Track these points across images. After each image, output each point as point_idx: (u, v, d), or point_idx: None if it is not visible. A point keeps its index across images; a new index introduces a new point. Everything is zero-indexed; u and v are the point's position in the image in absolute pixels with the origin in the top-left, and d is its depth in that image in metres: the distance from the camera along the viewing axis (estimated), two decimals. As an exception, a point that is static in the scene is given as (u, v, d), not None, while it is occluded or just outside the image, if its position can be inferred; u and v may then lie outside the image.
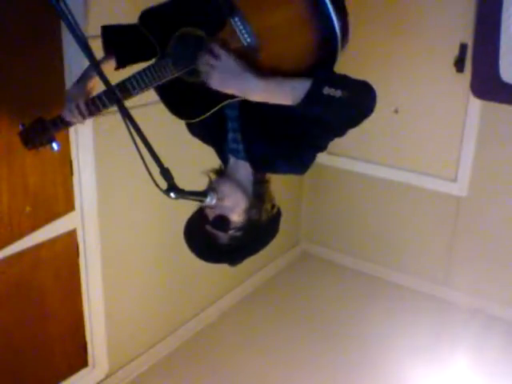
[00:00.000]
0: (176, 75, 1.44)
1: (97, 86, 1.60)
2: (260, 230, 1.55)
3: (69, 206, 2.35)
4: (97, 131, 2.38)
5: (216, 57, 1.33)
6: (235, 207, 1.48)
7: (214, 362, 3.04)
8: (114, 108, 1.41)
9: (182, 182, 1.36)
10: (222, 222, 1.46)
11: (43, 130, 1.60)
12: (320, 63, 1.33)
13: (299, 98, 1.27)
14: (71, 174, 2.33)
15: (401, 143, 3.52)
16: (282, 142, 1.47)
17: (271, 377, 2.95)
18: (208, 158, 3.22)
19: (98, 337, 2.66)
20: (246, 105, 1.42)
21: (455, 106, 3.29)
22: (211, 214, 1.48)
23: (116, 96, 1.38)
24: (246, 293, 3.62)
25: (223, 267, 3.57)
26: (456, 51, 3.13)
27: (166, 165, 1.34)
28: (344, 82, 1.31)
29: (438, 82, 3.28)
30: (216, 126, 1.55)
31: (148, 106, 2.47)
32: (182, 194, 1.34)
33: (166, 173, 1.33)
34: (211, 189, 1.47)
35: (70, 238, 2.42)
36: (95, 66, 1.35)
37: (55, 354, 2.50)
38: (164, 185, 1.33)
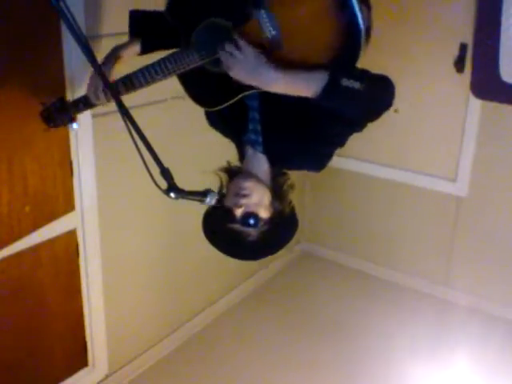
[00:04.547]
0: (199, 64, 1.46)
1: (122, 67, 1.62)
2: (285, 223, 1.55)
3: (69, 206, 2.35)
4: (97, 131, 2.37)
5: (238, 48, 1.35)
6: (261, 202, 1.48)
7: (213, 362, 3.04)
8: (114, 108, 1.41)
9: (182, 182, 1.36)
10: (252, 218, 1.45)
11: (65, 109, 1.61)
12: (342, 58, 1.34)
13: (318, 90, 1.28)
14: (71, 174, 2.33)
15: (401, 143, 3.52)
16: (300, 137, 1.48)
17: (271, 377, 2.95)
18: (208, 158, 3.22)
19: (97, 337, 2.66)
20: (267, 97, 1.43)
21: (455, 106, 3.28)
22: (238, 213, 1.47)
23: (117, 92, 1.39)
24: (246, 293, 3.62)
25: (223, 267, 3.58)
26: (456, 51, 3.13)
27: (165, 165, 1.34)
28: (363, 74, 1.32)
29: (438, 82, 3.27)
30: (237, 116, 1.55)
31: (148, 106, 2.48)
32: (181, 193, 1.34)
33: (165, 173, 1.33)
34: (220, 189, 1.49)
35: (70, 238, 2.42)
36: (95, 66, 1.35)
37: (55, 354, 2.50)
38: (164, 185, 1.33)
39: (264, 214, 1.48)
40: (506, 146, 3.20)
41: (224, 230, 1.49)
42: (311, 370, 3.01)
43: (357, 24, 1.30)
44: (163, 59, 1.48)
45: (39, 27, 2.03)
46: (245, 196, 1.45)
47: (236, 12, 1.39)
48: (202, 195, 1.39)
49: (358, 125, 1.43)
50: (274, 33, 1.35)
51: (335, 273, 3.91)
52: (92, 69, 1.46)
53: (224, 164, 1.63)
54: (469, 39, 3.03)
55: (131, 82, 1.52)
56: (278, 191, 1.53)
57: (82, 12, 2.15)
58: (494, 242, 3.38)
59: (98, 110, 2.30)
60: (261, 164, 1.54)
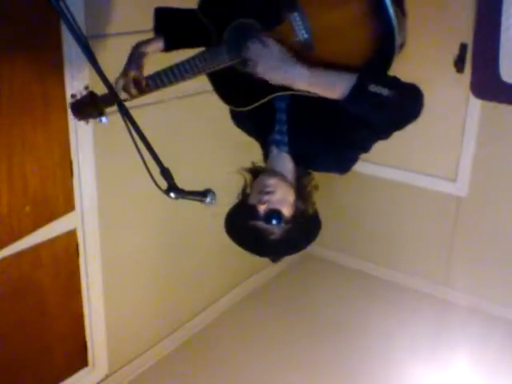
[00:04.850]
0: (229, 64, 1.47)
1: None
2: (308, 223, 1.56)
3: (69, 206, 2.35)
4: (97, 131, 2.37)
5: (263, 45, 1.36)
6: (284, 200, 1.48)
7: (213, 362, 3.04)
8: (114, 108, 1.42)
9: (182, 182, 1.36)
10: (275, 215, 1.45)
11: (94, 103, 1.61)
12: (373, 64, 1.34)
13: (345, 92, 1.28)
14: (71, 174, 2.33)
15: (401, 143, 3.52)
16: (326, 140, 1.49)
17: (271, 377, 2.95)
18: (208, 157, 3.22)
19: (97, 337, 2.66)
20: (295, 99, 1.45)
21: (455, 106, 3.28)
22: (262, 209, 1.46)
23: (119, 100, 1.38)
24: (246, 293, 3.62)
25: (223, 267, 3.58)
26: (456, 51, 3.13)
27: (165, 165, 1.34)
28: (393, 82, 1.32)
29: (438, 81, 3.27)
30: (264, 117, 1.56)
31: (148, 106, 2.48)
32: (181, 193, 1.34)
33: (166, 173, 1.33)
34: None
35: (70, 238, 2.42)
36: (95, 66, 1.35)
37: (55, 354, 2.50)
38: (164, 185, 1.33)
39: (287, 212, 1.48)
40: (506, 146, 3.20)
41: (247, 228, 1.49)
42: (311, 369, 3.01)
43: (391, 30, 1.30)
44: (193, 57, 1.48)
45: (39, 27, 2.03)
46: (268, 193, 1.45)
47: (269, 14, 1.40)
48: (201, 195, 1.39)
49: (383, 132, 1.43)
50: (306, 36, 1.36)
51: (335, 273, 3.91)
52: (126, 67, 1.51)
53: (249, 165, 1.63)
54: (469, 39, 3.03)
55: (160, 79, 1.53)
56: (302, 191, 1.54)
57: (82, 12, 2.15)
58: (493, 241, 3.37)
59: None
60: (285, 163, 1.55)
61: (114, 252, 2.65)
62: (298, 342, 3.21)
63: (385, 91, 1.26)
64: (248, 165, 1.61)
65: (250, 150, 3.66)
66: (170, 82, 1.53)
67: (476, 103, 3.16)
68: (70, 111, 1.64)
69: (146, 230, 2.81)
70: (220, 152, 3.13)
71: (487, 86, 2.99)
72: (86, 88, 1.58)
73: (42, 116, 2.12)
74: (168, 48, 1.69)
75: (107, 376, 2.79)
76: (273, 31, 1.39)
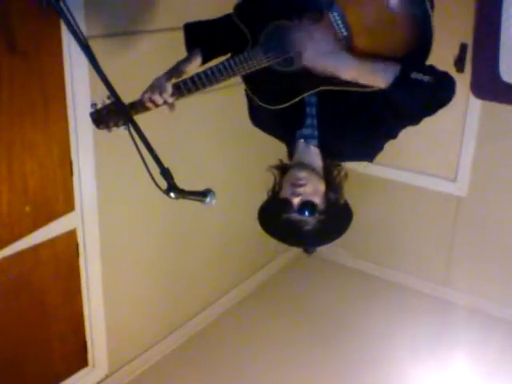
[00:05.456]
0: (266, 64, 1.50)
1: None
2: (341, 213, 1.63)
3: (69, 206, 2.35)
4: (97, 131, 2.37)
5: (310, 36, 1.43)
6: (316, 191, 1.53)
7: (214, 362, 3.04)
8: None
9: (182, 182, 1.36)
10: (309, 206, 1.50)
11: (120, 111, 1.59)
12: (414, 53, 1.44)
13: (389, 80, 1.35)
14: (71, 174, 2.33)
15: (401, 143, 3.50)
16: (354, 130, 1.54)
17: (271, 377, 2.95)
18: (208, 158, 3.22)
19: (97, 337, 2.66)
20: (323, 92, 1.51)
21: (455, 106, 3.27)
22: (296, 202, 1.50)
23: (121, 102, 1.37)
24: (246, 293, 3.62)
25: (223, 267, 3.58)
26: (456, 51, 3.13)
27: (166, 165, 1.34)
28: (430, 69, 1.41)
29: (438, 81, 3.27)
30: (292, 113, 1.60)
31: (148, 106, 2.47)
32: (181, 193, 1.34)
33: (166, 173, 1.34)
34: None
35: (70, 237, 2.42)
36: (95, 66, 1.35)
37: (55, 354, 2.50)
38: (164, 185, 1.34)
39: (320, 202, 1.53)
40: (505, 145, 3.20)
41: (281, 221, 1.52)
42: (311, 369, 3.01)
43: (429, 21, 1.44)
44: (228, 60, 1.50)
45: (39, 27, 2.03)
46: (301, 185, 1.50)
47: (307, 13, 1.45)
48: (201, 195, 1.39)
49: (416, 118, 1.49)
50: (345, 33, 1.42)
51: (335, 273, 3.91)
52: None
53: (276, 162, 1.67)
54: (469, 39, 3.03)
55: (193, 83, 1.53)
56: (332, 182, 1.60)
57: (82, 12, 2.15)
58: (493, 241, 3.37)
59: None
60: (313, 156, 1.59)
61: (113, 252, 2.65)
62: (298, 342, 3.21)
63: (425, 78, 1.34)
64: (260, 163, 1.69)
65: (250, 150, 3.68)
66: (203, 86, 1.53)
67: (476, 103, 3.16)
68: (91, 121, 1.64)
69: (145, 229, 2.81)
70: (220, 152, 3.13)
71: (487, 85, 2.98)
72: (109, 97, 1.56)
73: (42, 116, 2.12)
74: (206, 61, 1.72)
75: (107, 376, 2.79)
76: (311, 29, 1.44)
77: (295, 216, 1.50)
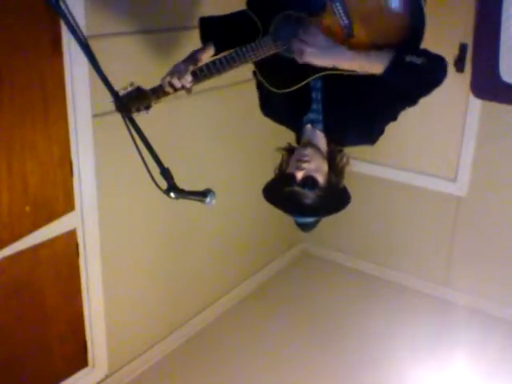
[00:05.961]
0: (275, 51, 1.63)
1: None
2: (339, 194, 1.74)
3: (69, 206, 2.35)
4: (97, 131, 2.38)
5: (308, 34, 1.54)
6: (319, 169, 1.65)
7: (213, 362, 3.04)
8: (114, 108, 1.42)
9: (182, 182, 1.36)
10: (311, 181, 1.62)
11: (142, 98, 1.68)
12: (408, 39, 1.54)
13: (385, 65, 1.46)
14: (71, 174, 2.33)
15: (401, 143, 3.52)
16: (358, 114, 1.65)
17: (271, 377, 2.95)
18: (208, 157, 3.22)
19: (97, 337, 2.66)
20: (328, 78, 1.62)
21: (455, 106, 3.28)
22: (299, 175, 1.62)
23: (120, 99, 1.38)
24: (246, 293, 3.62)
25: (223, 267, 3.57)
26: (456, 51, 3.13)
27: (166, 165, 1.34)
28: (424, 52, 1.52)
29: (438, 81, 3.27)
30: (298, 99, 1.71)
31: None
32: (181, 193, 1.34)
33: (166, 173, 1.34)
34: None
35: (70, 237, 2.42)
36: (95, 66, 1.35)
37: (55, 354, 2.50)
38: (164, 185, 1.34)
39: (321, 180, 1.65)
40: (505, 145, 3.20)
41: (284, 192, 1.65)
42: (311, 369, 3.01)
43: (421, 9, 1.51)
44: (241, 48, 1.62)
45: (39, 27, 2.03)
46: (306, 161, 1.62)
47: (313, 4, 1.58)
48: (201, 195, 1.40)
49: (412, 99, 1.60)
50: (346, 22, 1.54)
51: (335, 273, 3.91)
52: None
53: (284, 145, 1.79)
54: (469, 39, 3.03)
55: (208, 69, 1.64)
56: (335, 166, 1.72)
57: (82, 12, 2.15)
58: (493, 241, 3.38)
59: (98, 110, 2.32)
60: (319, 139, 1.71)
61: (114, 252, 2.65)
62: (298, 342, 3.21)
63: (418, 60, 1.46)
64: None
65: (250, 150, 3.68)
66: (218, 72, 1.64)
67: (476, 103, 3.16)
68: (114, 106, 1.69)
69: (145, 229, 2.82)
70: (220, 152, 3.13)
71: (487, 86, 2.98)
72: (132, 84, 1.67)
73: (41, 116, 2.12)
74: (218, 52, 1.84)
75: (107, 376, 2.79)
76: (316, 19, 1.56)
77: (297, 189, 1.62)
